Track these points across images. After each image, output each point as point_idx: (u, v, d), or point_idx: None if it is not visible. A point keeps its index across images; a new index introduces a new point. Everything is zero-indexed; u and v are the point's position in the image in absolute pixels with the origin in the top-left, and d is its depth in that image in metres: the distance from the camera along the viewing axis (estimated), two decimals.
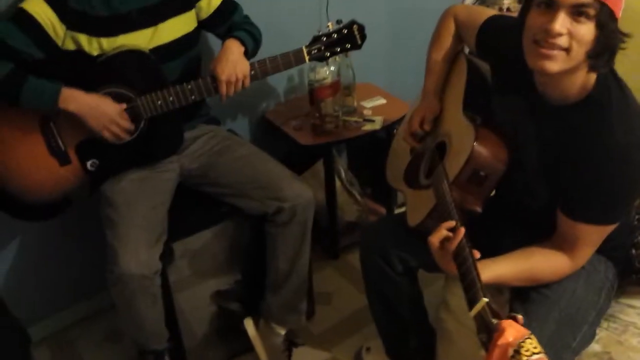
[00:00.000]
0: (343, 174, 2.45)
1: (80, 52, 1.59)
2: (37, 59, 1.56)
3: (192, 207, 1.84)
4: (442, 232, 1.20)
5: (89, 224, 2.00)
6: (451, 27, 1.56)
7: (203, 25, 1.78)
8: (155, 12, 1.65)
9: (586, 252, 1.28)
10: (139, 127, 1.64)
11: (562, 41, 1.12)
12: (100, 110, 1.56)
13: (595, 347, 1.38)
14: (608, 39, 1.13)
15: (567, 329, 1.32)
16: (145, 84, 1.61)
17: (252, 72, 1.67)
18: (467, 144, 1.30)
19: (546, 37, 1.13)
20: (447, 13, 1.58)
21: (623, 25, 1.16)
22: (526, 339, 0.95)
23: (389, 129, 2.21)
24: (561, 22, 1.11)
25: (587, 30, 1.12)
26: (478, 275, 1.08)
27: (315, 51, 1.71)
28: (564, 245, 1.28)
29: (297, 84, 2.39)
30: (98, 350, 2.10)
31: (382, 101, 2.34)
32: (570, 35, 1.12)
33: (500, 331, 0.96)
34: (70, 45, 1.58)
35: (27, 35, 1.52)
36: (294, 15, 2.26)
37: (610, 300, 1.44)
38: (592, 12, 1.10)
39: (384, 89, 2.42)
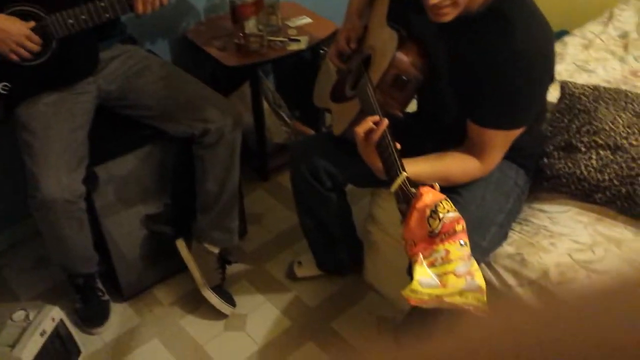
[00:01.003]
0: (271, 96, 2.43)
1: None
2: None
3: (114, 130, 1.78)
4: (368, 123, 1.26)
5: (5, 150, 1.92)
6: None
7: None
8: None
9: (494, 156, 1.37)
10: (50, 48, 1.54)
11: (446, 2, 1.19)
12: (5, 32, 1.45)
13: (508, 248, 1.48)
14: None
15: (477, 231, 1.41)
16: (55, 1, 1.50)
17: None
18: (390, 50, 1.36)
19: (432, 8, 1.21)
20: None
21: None
22: (442, 200, 1.03)
23: (315, 48, 2.19)
24: None
25: None
26: (398, 157, 1.17)
27: None
28: (474, 150, 1.36)
29: (218, 1, 2.30)
30: (26, 277, 2.06)
31: (308, 20, 2.30)
32: None
33: (419, 196, 1.05)
34: None
35: None
36: None
37: (521, 204, 1.55)
38: None
39: (309, 8, 2.37)
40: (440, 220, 1.00)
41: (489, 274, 1.49)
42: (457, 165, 1.37)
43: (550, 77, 1.33)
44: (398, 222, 1.68)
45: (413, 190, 1.08)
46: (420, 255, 1.02)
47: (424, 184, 1.12)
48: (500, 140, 1.35)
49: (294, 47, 2.14)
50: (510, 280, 1.46)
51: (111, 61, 1.75)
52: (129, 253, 1.92)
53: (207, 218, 1.87)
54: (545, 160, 1.61)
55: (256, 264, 2.10)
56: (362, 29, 1.60)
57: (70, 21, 1.51)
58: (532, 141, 1.51)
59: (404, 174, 1.13)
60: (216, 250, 1.93)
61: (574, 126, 1.63)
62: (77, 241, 1.66)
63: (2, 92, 1.56)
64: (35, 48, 1.51)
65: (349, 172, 1.64)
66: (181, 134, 1.76)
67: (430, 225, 1.01)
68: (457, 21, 1.27)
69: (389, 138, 1.21)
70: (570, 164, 1.56)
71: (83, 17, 1.51)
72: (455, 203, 1.41)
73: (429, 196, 1.04)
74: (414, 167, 1.30)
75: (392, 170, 1.17)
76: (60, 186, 1.52)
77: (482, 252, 1.41)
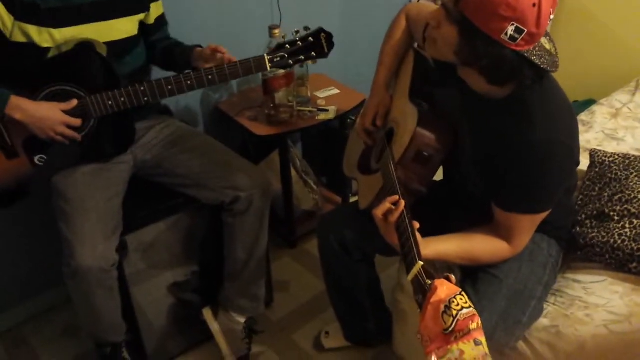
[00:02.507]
0: (298, 164, 2.47)
1: (30, 45, 1.55)
2: None
3: (145, 198, 1.81)
4: (386, 205, 1.25)
5: (38, 218, 1.96)
6: (402, 23, 1.61)
7: (144, 28, 1.76)
8: (107, 8, 1.62)
9: (522, 239, 1.35)
10: (88, 126, 1.60)
11: (432, 33, 1.23)
12: (46, 121, 1.52)
13: (543, 321, 1.44)
14: (474, 52, 1.16)
15: (517, 305, 1.39)
16: (96, 82, 1.57)
17: (210, 77, 1.60)
18: (411, 125, 1.37)
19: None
20: (401, 11, 1.63)
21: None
22: (457, 295, 0.99)
23: (342, 118, 2.24)
24: (433, 16, 1.21)
25: (447, 30, 1.18)
26: (416, 243, 1.13)
27: (278, 59, 1.63)
28: (501, 231, 1.34)
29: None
30: (54, 345, 2.06)
31: (336, 91, 2.37)
32: (436, 34, 1.21)
33: (433, 290, 1.01)
34: (19, 37, 1.54)
35: None
36: (245, 19, 2.28)
37: (555, 275, 1.52)
38: (453, 13, 1.15)
39: (337, 80, 2.45)
40: (454, 317, 0.96)
41: (525, 347, 1.44)
42: (485, 246, 1.35)
43: (574, 162, 1.32)
44: None
45: (428, 282, 1.04)
46: (434, 357, 0.98)
47: (439, 276, 1.08)
48: (526, 224, 1.33)
49: (322, 116, 2.20)
50: (547, 353, 1.41)
51: (148, 131, 1.82)
52: (155, 321, 1.91)
53: (235, 286, 1.87)
54: (578, 229, 1.59)
55: (283, 333, 2.07)
56: (390, 100, 1.63)
57: (110, 102, 1.57)
58: (563, 213, 1.50)
59: (420, 263, 1.08)
60: (243, 319, 1.91)
61: (605, 195, 1.61)
62: (107, 310, 1.66)
63: (38, 163, 1.62)
64: (76, 136, 1.57)
65: (377, 244, 1.63)
66: (212, 202, 1.79)
67: (444, 322, 0.97)
68: (480, 102, 1.28)
69: (407, 221, 1.19)
70: (603, 233, 1.54)
71: (122, 99, 1.57)
72: (493, 278, 1.42)
73: (444, 290, 1.00)
74: (441, 246, 1.28)
75: (409, 258, 1.13)
76: (95, 255, 1.54)
77: (522, 328, 1.38)
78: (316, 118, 2.19)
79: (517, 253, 1.37)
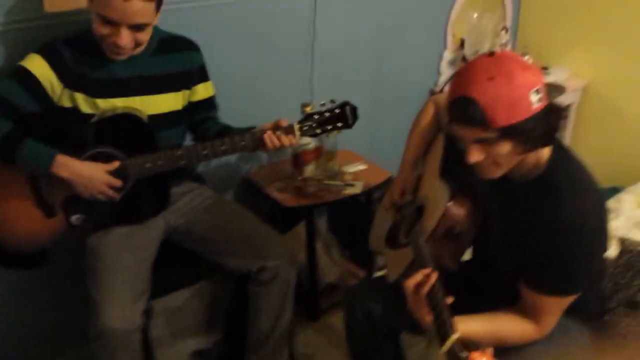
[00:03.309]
0: (324, 236, 2.49)
1: (74, 109, 1.63)
2: (35, 113, 1.59)
3: (173, 264, 1.84)
4: (418, 277, 1.25)
5: (67, 276, 1.99)
6: (430, 110, 1.69)
7: (189, 106, 1.84)
8: (153, 83, 1.71)
9: (549, 320, 1.33)
10: (126, 187, 1.65)
11: (487, 163, 1.23)
12: (90, 180, 1.58)
13: None
14: (530, 136, 1.18)
15: None
16: (136, 147, 1.64)
17: (243, 143, 1.67)
18: (442, 201, 1.40)
19: (474, 166, 1.25)
20: (429, 100, 1.71)
21: None
22: None
23: (369, 193, 2.28)
24: (474, 155, 1.21)
25: (501, 148, 1.19)
26: (450, 315, 1.13)
27: (307, 128, 1.71)
28: (529, 313, 1.32)
29: None
30: None
31: (363, 167, 2.42)
32: (490, 156, 1.22)
33: None
34: (66, 102, 1.63)
35: (27, 91, 1.57)
36: (279, 88, 2.39)
37: None
38: (492, 136, 1.17)
39: (364, 157, 2.51)
40: None
41: None
42: (512, 327, 1.33)
43: (602, 248, 1.31)
44: None
45: (465, 354, 1.04)
46: None
47: (475, 348, 1.08)
48: (554, 306, 1.32)
49: (349, 191, 2.24)
50: None
51: (181, 197, 1.87)
52: None
53: (258, 356, 1.85)
54: (608, 317, 1.57)
55: None
56: (416, 179, 1.67)
57: (148, 165, 1.63)
58: (592, 299, 1.48)
59: (456, 335, 1.09)
60: None
61: (636, 282, 1.60)
62: None
63: (75, 223, 1.66)
64: (116, 196, 1.63)
65: (404, 319, 1.62)
66: (239, 270, 1.81)
67: None
68: (508, 184, 1.30)
69: (441, 293, 1.19)
70: (634, 322, 1.51)
71: (160, 162, 1.63)
72: None
73: None
74: (466, 325, 1.26)
75: (443, 330, 1.12)
76: (122, 316, 1.55)
77: None
78: (343, 192, 2.23)
79: (543, 335, 1.34)
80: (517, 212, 1.32)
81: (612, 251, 1.77)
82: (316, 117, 1.73)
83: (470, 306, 1.34)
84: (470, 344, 1.05)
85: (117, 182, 1.61)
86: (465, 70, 1.20)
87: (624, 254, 1.72)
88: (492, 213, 1.40)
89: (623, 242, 1.76)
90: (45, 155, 1.54)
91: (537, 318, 1.32)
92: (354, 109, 1.75)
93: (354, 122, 1.76)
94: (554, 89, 1.25)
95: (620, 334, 1.53)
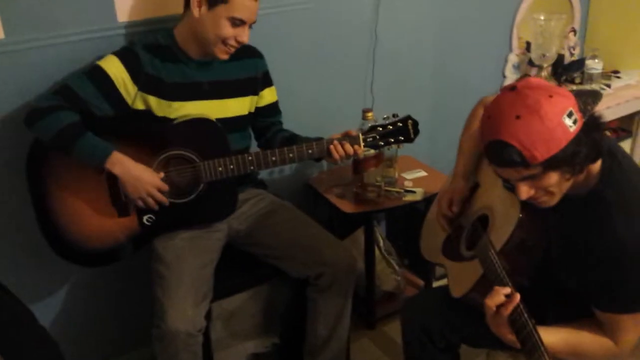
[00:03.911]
0: (382, 243, 2.48)
1: (149, 112, 1.69)
2: (107, 115, 1.66)
3: (234, 267, 1.87)
4: (500, 296, 1.21)
5: (134, 278, 2.05)
6: (480, 112, 1.63)
7: (255, 112, 1.90)
8: (225, 88, 1.78)
9: (627, 338, 1.28)
10: (198, 189, 1.70)
11: (539, 195, 1.20)
12: (141, 182, 1.62)
13: None
14: (574, 161, 1.14)
15: None
16: (210, 150, 1.69)
17: (310, 152, 1.71)
18: (514, 212, 1.34)
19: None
20: (479, 102, 1.66)
21: None
22: None
23: (429, 200, 2.25)
24: (524, 192, 1.18)
25: (548, 179, 1.16)
26: (540, 339, 1.10)
27: (371, 139, 1.75)
28: (606, 330, 1.28)
29: None
30: None
31: (423, 174, 2.39)
32: (540, 188, 1.18)
33: None
34: (139, 105, 1.69)
35: (98, 89, 1.63)
36: (341, 94, 2.40)
37: None
38: (536, 172, 1.14)
39: (425, 163, 2.48)
40: None
41: None
42: (592, 342, 1.29)
43: None
44: None
45: None
46: None
47: None
48: (630, 323, 1.26)
49: (409, 197, 2.21)
50: None
51: (244, 203, 1.90)
52: None
53: None
54: None
55: None
56: (468, 190, 1.62)
57: (220, 169, 1.68)
58: None
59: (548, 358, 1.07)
60: None
61: None
62: None
63: (147, 223, 1.72)
64: (165, 201, 1.67)
65: (464, 333, 1.59)
66: (298, 275, 1.82)
67: None
68: (562, 203, 1.26)
69: (526, 316, 1.15)
70: None
71: (231, 166, 1.68)
72: None
73: None
74: (547, 337, 1.23)
75: (535, 355, 1.10)
76: (185, 319, 1.58)
77: None
78: (403, 199, 2.21)
79: (624, 353, 1.29)
80: (572, 227, 1.28)
81: None
82: (380, 129, 1.77)
83: (539, 322, 1.30)
84: None
85: (165, 187, 1.65)
86: (491, 110, 1.17)
87: None
88: (552, 225, 1.35)
89: None
90: (102, 150, 1.59)
91: (614, 336, 1.28)
92: (415, 124, 1.78)
93: (415, 137, 1.79)
94: (587, 99, 1.18)
95: None
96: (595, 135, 1.16)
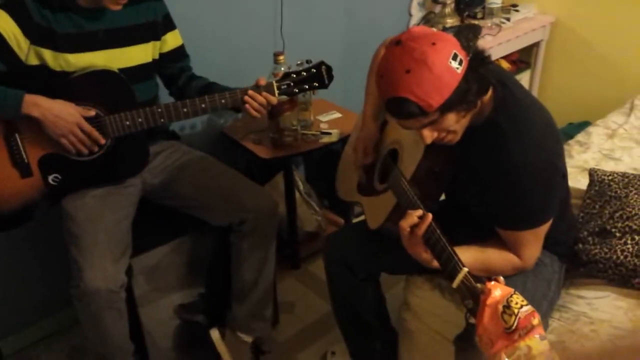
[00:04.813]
0: (301, 186, 2.51)
1: (45, 67, 1.59)
2: (1, 72, 1.54)
3: (152, 221, 1.85)
4: (413, 218, 1.27)
5: (50, 240, 1.98)
6: (382, 53, 1.67)
7: (160, 58, 1.82)
8: (122, 35, 1.67)
9: (529, 252, 1.39)
10: (105, 145, 1.64)
11: (443, 136, 1.28)
12: (61, 118, 1.53)
13: (549, 337, 1.45)
14: (467, 99, 1.21)
15: None
16: (114, 103, 1.62)
17: (223, 101, 1.68)
18: (420, 145, 1.40)
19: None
20: (382, 43, 1.68)
21: None
22: (512, 295, 1.02)
23: (345, 141, 2.28)
24: (428, 137, 1.27)
25: (447, 121, 1.23)
26: (453, 250, 1.17)
27: (285, 87, 1.74)
28: (510, 247, 1.38)
29: None
30: None
31: (338, 115, 2.42)
32: (442, 130, 1.26)
33: (487, 292, 1.03)
34: (33, 60, 1.58)
35: None
36: (249, 37, 2.35)
37: (559, 291, 1.54)
38: (434, 118, 1.21)
39: (339, 104, 2.50)
40: (515, 315, 0.99)
41: None
42: (499, 257, 1.38)
43: (559, 174, 1.36)
44: (434, 310, 1.68)
45: (479, 285, 1.07)
46: (504, 355, 1.00)
47: (489, 278, 1.11)
48: (530, 237, 1.37)
49: (326, 139, 2.24)
50: None
51: (156, 156, 1.85)
52: (162, 343, 1.92)
53: (243, 307, 1.88)
54: (580, 245, 1.62)
55: (289, 354, 2.07)
56: (378, 132, 1.67)
57: (127, 122, 1.62)
58: (563, 228, 1.53)
59: (465, 269, 1.12)
60: (250, 340, 1.92)
61: (606, 212, 1.65)
62: (115, 331, 1.67)
63: (52, 183, 1.64)
64: (98, 137, 1.59)
65: (382, 263, 1.66)
66: (220, 223, 1.82)
67: (505, 322, 0.99)
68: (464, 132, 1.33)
69: (439, 232, 1.22)
70: (605, 249, 1.57)
71: (139, 119, 1.62)
72: None
73: (498, 291, 1.03)
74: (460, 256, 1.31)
75: (450, 266, 1.16)
76: (105, 277, 1.55)
77: None
78: (319, 141, 2.23)
79: (530, 265, 1.41)
80: (471, 155, 1.36)
81: (582, 184, 1.82)
82: (294, 76, 1.75)
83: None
84: (480, 278, 1.09)
85: (90, 129, 1.58)
86: (383, 69, 1.22)
87: (594, 185, 1.76)
88: (457, 155, 1.42)
89: (592, 173, 1.81)
90: (13, 96, 1.49)
91: (517, 251, 1.38)
92: (329, 69, 1.78)
93: (329, 82, 1.80)
94: (468, 34, 1.24)
95: (592, 261, 1.58)
96: (482, 70, 1.22)
